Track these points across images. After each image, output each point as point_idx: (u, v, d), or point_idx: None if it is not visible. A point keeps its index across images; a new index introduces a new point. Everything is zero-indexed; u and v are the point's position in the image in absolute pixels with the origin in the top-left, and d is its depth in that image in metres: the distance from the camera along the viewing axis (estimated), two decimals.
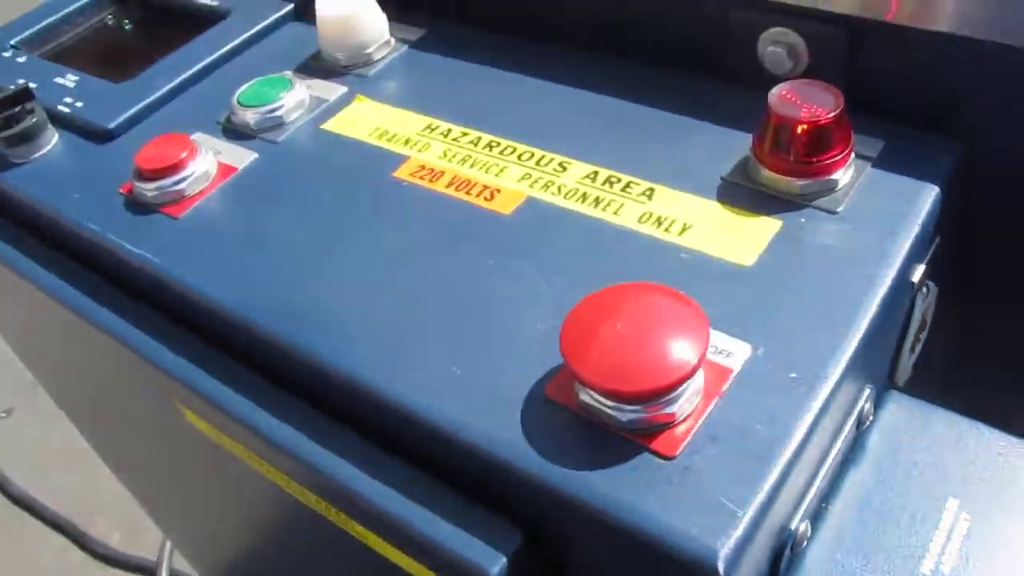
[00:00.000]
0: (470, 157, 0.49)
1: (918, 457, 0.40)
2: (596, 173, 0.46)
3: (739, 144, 0.46)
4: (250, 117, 0.53)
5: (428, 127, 0.51)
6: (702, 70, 0.51)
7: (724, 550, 0.31)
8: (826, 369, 0.35)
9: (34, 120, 0.55)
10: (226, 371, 0.43)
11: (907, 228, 0.40)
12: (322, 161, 0.51)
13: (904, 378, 0.46)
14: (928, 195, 0.41)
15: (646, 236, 0.42)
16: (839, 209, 0.41)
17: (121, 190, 0.51)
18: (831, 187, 0.42)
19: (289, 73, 0.56)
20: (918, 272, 0.41)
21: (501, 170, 0.47)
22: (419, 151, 0.50)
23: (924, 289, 0.43)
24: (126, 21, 0.69)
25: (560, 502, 0.34)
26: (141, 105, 0.57)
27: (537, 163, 0.47)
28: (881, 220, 0.41)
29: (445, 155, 0.49)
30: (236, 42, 0.61)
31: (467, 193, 0.46)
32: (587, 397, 0.35)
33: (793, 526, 0.36)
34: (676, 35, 0.51)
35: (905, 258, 0.39)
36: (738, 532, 0.31)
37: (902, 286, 0.40)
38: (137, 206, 0.50)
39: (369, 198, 0.48)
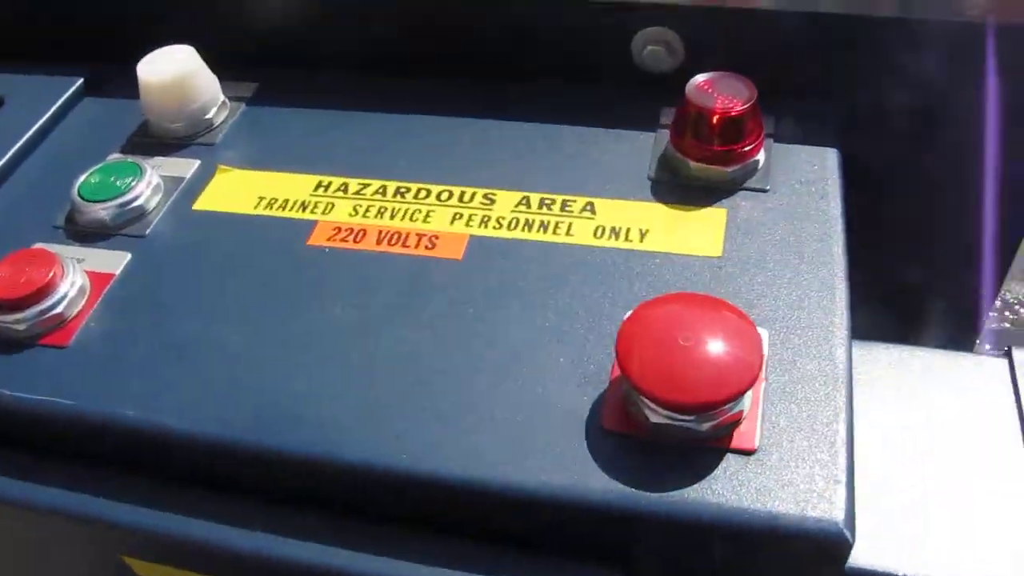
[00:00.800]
0: (386, 208, 0.46)
1: (881, 387, 0.44)
2: (527, 198, 0.45)
3: (645, 142, 0.48)
4: (103, 213, 0.46)
5: (319, 186, 0.47)
6: (572, 78, 0.52)
7: (843, 517, 0.33)
8: (834, 331, 0.38)
9: None
10: (211, 506, 0.38)
11: (833, 190, 0.44)
12: (213, 246, 0.45)
13: None
14: (832, 156, 0.46)
15: (611, 249, 0.43)
16: (768, 187, 0.45)
17: None
18: (755, 168, 0.45)
19: (126, 156, 0.49)
20: None
21: (427, 215, 0.45)
22: (324, 213, 0.46)
23: None
24: None
25: (668, 529, 0.34)
26: None
27: (460, 200, 0.46)
28: (807, 188, 0.44)
29: (356, 212, 0.46)
30: (31, 132, 0.52)
31: (404, 246, 0.44)
32: (660, 417, 0.35)
33: None
34: (543, 49, 0.52)
35: (843, 216, 0.43)
36: (845, 496, 0.33)
37: None
38: (6, 344, 0.42)
39: (293, 274, 0.43)
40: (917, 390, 0.44)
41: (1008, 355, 0.44)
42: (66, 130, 0.53)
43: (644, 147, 0.47)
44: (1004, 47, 0.46)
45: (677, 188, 0.45)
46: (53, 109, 0.53)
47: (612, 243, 0.43)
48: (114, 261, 0.45)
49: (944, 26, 0.46)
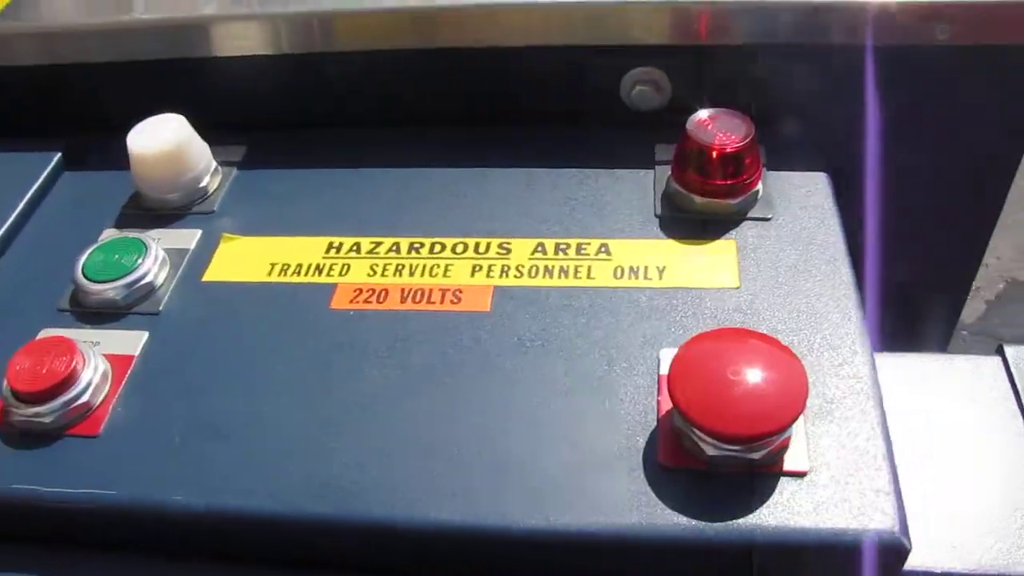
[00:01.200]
0: (403, 265, 0.46)
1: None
2: (542, 244, 0.46)
3: (645, 179, 0.49)
4: (112, 293, 0.45)
5: (331, 247, 0.47)
6: (563, 120, 0.53)
7: (899, 526, 0.35)
8: (857, 349, 0.40)
9: None
10: None
11: (830, 213, 0.47)
12: (233, 318, 0.45)
13: None
14: (824, 180, 0.48)
15: (633, 289, 0.44)
16: (770, 215, 0.47)
17: None
18: (756, 198, 0.47)
19: (123, 231, 0.48)
20: None
21: (446, 269, 0.46)
22: (342, 275, 0.46)
23: None
24: None
25: (739, 555, 0.35)
26: None
27: (476, 251, 0.46)
28: (808, 212, 0.47)
29: (374, 271, 0.46)
30: (15, 213, 0.50)
31: (429, 303, 0.44)
32: (717, 450, 0.36)
33: None
34: (535, 93, 0.53)
35: (844, 237, 0.46)
36: (896, 505, 0.35)
37: None
38: (31, 438, 0.40)
39: (321, 340, 0.43)
40: (920, 394, 0.46)
41: (1001, 353, 0.47)
42: (51, 208, 0.52)
43: (645, 184, 0.49)
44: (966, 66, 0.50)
45: (684, 223, 0.47)
46: (35, 187, 0.52)
47: (633, 283, 0.44)
48: (131, 342, 0.44)
49: (918, 50, 0.49)
